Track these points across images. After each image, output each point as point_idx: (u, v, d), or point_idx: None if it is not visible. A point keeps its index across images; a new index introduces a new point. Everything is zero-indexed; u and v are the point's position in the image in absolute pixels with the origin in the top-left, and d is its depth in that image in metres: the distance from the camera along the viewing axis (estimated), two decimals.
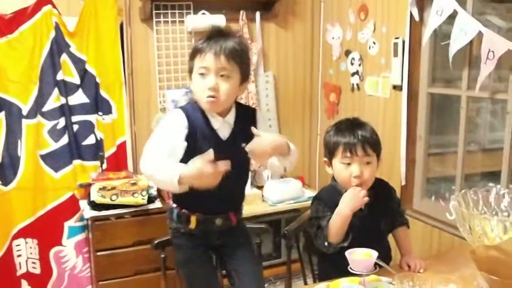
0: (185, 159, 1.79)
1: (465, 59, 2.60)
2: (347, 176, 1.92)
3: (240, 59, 1.90)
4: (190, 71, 1.93)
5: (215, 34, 1.88)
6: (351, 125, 1.97)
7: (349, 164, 1.92)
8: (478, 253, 1.56)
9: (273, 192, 3.38)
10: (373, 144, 1.94)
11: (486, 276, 1.46)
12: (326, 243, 1.90)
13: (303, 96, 3.88)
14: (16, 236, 3.08)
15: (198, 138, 1.91)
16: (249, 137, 1.90)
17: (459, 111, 2.70)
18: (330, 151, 1.98)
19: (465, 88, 2.64)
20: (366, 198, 1.88)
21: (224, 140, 1.94)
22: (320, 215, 1.96)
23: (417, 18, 2.78)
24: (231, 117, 1.96)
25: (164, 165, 1.74)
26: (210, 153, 1.67)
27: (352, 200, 1.86)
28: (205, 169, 1.64)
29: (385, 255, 1.95)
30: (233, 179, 1.85)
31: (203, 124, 1.92)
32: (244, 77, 1.94)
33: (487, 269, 1.47)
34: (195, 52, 1.89)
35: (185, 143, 1.85)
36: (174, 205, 2.05)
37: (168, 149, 1.81)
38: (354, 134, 1.91)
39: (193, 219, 2.00)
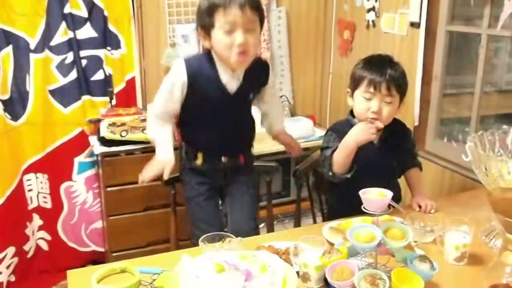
0: (190, 104, 1.97)
1: None
2: (364, 109, 1.91)
3: (260, 8, 1.87)
4: (206, 27, 1.85)
5: None
6: (382, 62, 1.94)
7: (369, 99, 1.89)
8: (494, 195, 1.54)
9: None
10: (399, 85, 1.90)
11: (501, 219, 1.44)
12: (330, 173, 1.93)
13: (316, 32, 3.77)
14: (26, 171, 3.09)
15: (202, 89, 1.92)
16: (257, 89, 2.05)
17: (477, 51, 2.62)
18: (354, 83, 1.95)
19: (486, 26, 2.54)
20: (374, 136, 1.88)
21: (231, 93, 1.95)
22: (329, 146, 1.96)
23: None
24: (241, 71, 1.94)
25: (157, 132, 2.09)
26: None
27: (360, 133, 1.86)
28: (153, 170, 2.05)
29: (395, 195, 1.95)
30: (237, 127, 2.02)
31: (210, 77, 1.91)
32: (262, 26, 1.92)
33: (502, 211, 1.45)
34: (214, 8, 1.79)
35: (182, 96, 1.94)
36: (183, 142, 2.10)
37: (164, 105, 2.00)
38: (382, 72, 1.88)
39: (199, 155, 2.04)
